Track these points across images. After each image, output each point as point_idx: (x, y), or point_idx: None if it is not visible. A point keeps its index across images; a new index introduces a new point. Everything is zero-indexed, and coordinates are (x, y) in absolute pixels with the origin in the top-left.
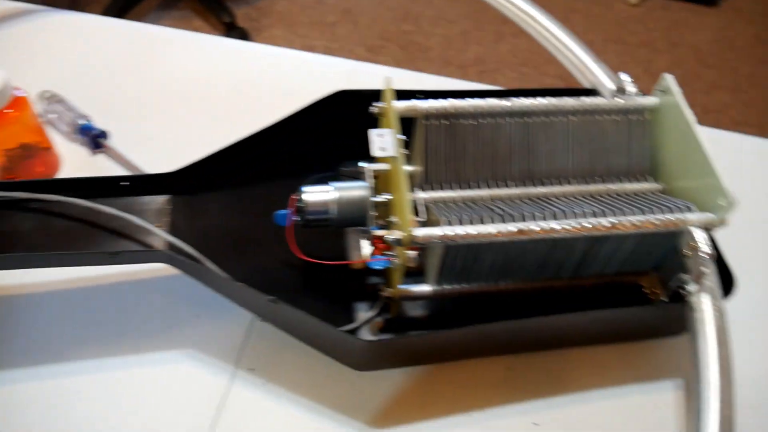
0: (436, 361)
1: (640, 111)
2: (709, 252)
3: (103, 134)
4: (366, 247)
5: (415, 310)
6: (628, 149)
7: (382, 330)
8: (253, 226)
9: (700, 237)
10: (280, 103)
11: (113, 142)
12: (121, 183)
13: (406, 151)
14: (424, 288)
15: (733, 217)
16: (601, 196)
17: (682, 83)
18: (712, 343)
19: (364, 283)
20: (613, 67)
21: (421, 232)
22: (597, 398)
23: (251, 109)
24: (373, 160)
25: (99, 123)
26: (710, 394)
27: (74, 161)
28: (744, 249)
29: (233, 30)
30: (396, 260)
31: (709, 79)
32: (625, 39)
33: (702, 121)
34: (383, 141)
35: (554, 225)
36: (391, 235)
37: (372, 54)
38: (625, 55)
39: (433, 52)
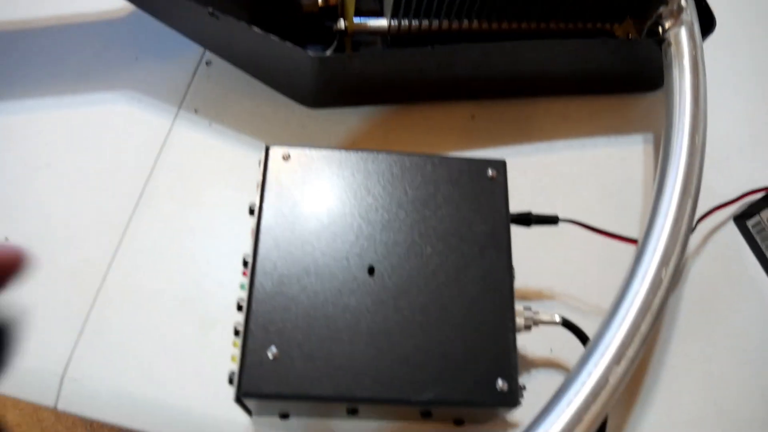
0: (395, 100)
1: None
2: None
3: None
4: None
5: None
6: None
7: None
8: None
9: None
10: None
11: None
12: None
13: None
14: (381, 21)
15: None
16: None
17: None
18: (687, 74)
19: (317, 27)
20: None
21: None
22: (563, 148)
23: None
24: None
25: None
26: (684, 120)
27: None
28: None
29: None
30: None
31: None
32: None
33: None
34: None
35: None
36: None
37: None
38: None
39: None
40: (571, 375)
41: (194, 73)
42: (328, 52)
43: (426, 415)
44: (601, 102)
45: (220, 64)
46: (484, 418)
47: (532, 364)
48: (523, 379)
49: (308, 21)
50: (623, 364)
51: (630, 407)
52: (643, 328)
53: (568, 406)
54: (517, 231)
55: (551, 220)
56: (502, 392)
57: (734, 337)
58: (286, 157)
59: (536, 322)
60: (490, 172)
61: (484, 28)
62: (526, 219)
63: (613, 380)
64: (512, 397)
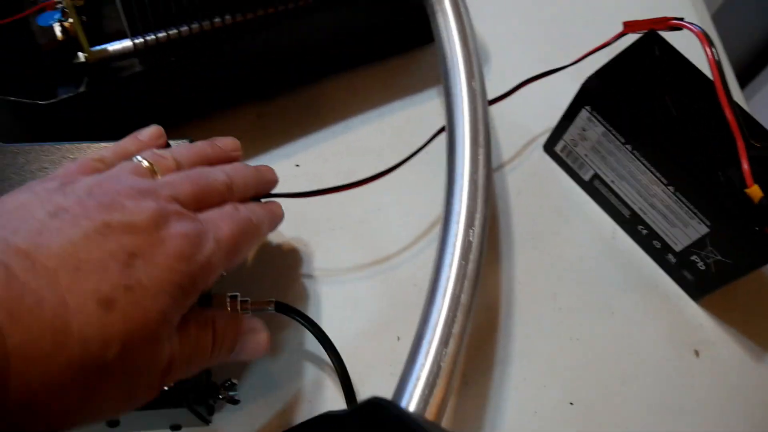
0: (168, 123)
1: None
2: None
3: None
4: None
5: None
6: None
7: None
8: None
9: None
10: None
11: None
12: None
13: None
14: (125, 43)
15: None
16: None
17: None
18: (451, 19)
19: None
20: None
21: None
22: (360, 124)
23: None
24: None
25: None
26: (458, 69)
27: None
28: None
29: None
30: (64, 3)
31: None
32: None
33: None
34: None
35: None
36: None
37: None
38: None
39: None
40: (402, 373)
41: None
42: (81, 89)
43: (113, 424)
44: (386, 66)
45: None
46: (189, 421)
47: (271, 352)
48: (250, 372)
49: (55, 59)
50: (452, 343)
51: (489, 370)
52: (464, 299)
53: (408, 404)
54: None
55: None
56: (168, 393)
57: (573, 265)
58: None
59: (248, 310)
60: None
61: (238, 20)
62: None
63: (445, 364)
64: (177, 398)
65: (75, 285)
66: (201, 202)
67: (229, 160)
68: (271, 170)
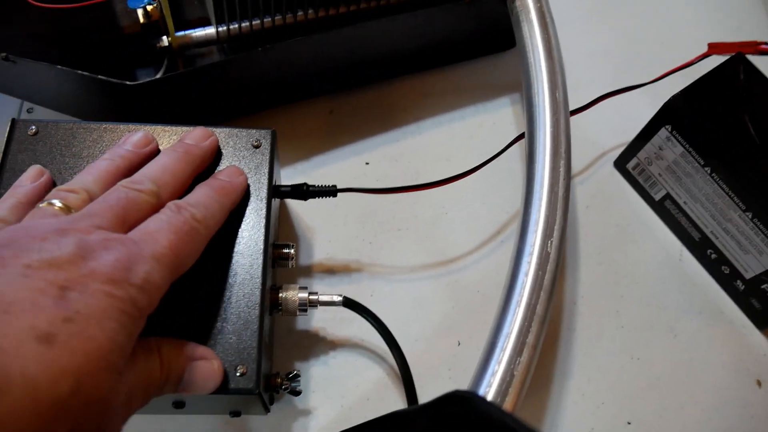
0: (239, 112)
1: None
2: None
3: None
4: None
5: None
6: None
7: None
8: None
9: None
10: None
11: None
12: None
13: None
14: (208, 30)
15: None
16: None
17: None
18: (536, 28)
19: (147, 46)
20: None
21: None
22: (431, 126)
23: None
24: None
25: None
26: (542, 79)
27: None
28: None
29: None
30: None
31: None
32: None
33: None
34: None
35: None
36: None
37: None
38: None
39: None
40: (473, 378)
41: None
42: (159, 74)
43: (179, 405)
44: (461, 70)
45: (43, 110)
46: (251, 408)
47: (333, 347)
48: (310, 364)
49: (135, 42)
50: (526, 353)
51: (548, 383)
52: (540, 309)
53: None
54: (314, 204)
55: (329, 192)
56: (240, 379)
57: (637, 284)
58: (35, 133)
59: (316, 304)
60: (253, 141)
61: (321, 15)
62: (302, 191)
63: (519, 372)
64: (249, 385)
65: (6, 328)
66: (129, 219)
67: (149, 156)
68: (202, 133)
